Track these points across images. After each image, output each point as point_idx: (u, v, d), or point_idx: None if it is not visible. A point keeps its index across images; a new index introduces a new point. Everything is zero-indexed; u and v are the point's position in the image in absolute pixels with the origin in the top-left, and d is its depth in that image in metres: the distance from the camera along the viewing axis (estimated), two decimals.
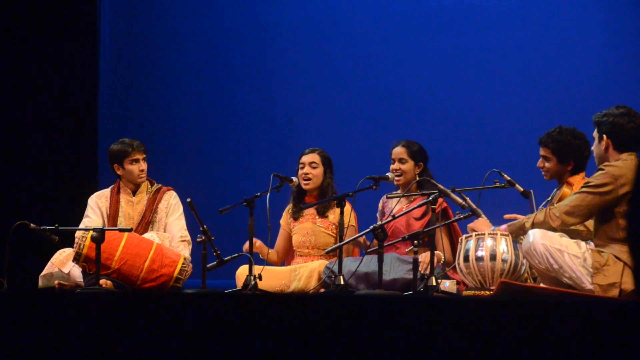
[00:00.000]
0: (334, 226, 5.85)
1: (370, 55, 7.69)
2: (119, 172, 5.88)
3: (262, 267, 5.35)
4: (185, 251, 5.70)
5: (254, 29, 8.02)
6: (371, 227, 4.76)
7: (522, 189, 5.19)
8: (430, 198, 4.85)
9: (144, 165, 5.86)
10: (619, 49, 7.02)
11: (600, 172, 4.51)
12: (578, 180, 5.09)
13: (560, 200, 4.89)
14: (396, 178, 5.66)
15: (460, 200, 4.85)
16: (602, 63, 7.05)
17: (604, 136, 4.58)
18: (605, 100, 5.84)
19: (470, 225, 4.92)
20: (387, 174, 5.51)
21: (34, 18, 7.61)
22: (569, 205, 4.55)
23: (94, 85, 8.01)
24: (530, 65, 7.26)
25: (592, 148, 4.70)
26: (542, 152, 5.21)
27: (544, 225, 4.59)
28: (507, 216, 5.08)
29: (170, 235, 5.77)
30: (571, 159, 5.15)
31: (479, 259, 4.82)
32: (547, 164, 5.19)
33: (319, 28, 7.87)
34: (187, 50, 8.14)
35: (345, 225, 5.17)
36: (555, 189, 5.25)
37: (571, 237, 4.60)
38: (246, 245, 5.36)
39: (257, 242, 5.63)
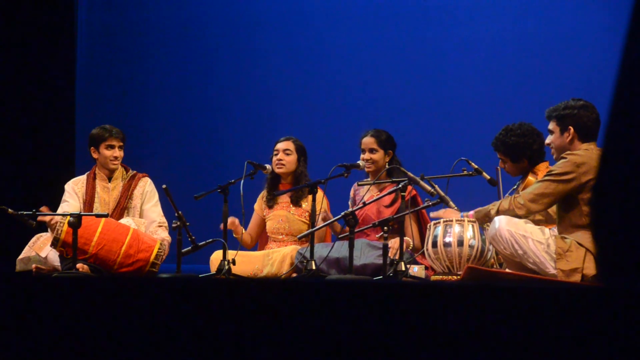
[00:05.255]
0: (307, 214, 5.93)
1: (342, 46, 7.76)
2: (94, 156, 5.95)
3: (235, 252, 5.42)
4: (164, 234, 5.78)
5: (230, 19, 8.06)
6: (342, 213, 4.84)
7: (489, 177, 5.29)
8: (400, 186, 4.93)
9: (118, 153, 5.92)
10: (582, 38, 7.14)
11: (562, 160, 4.60)
12: (542, 168, 5.19)
13: (525, 188, 4.99)
14: (367, 166, 5.75)
15: (429, 188, 4.93)
16: (567, 53, 7.16)
17: (570, 128, 4.67)
18: (566, 90, 5.96)
19: (436, 213, 5.01)
20: (358, 162, 5.59)
21: (11, 1, 7.58)
22: (532, 193, 4.64)
23: (72, 71, 8.01)
24: (499, 53, 7.35)
25: (551, 140, 4.75)
26: (498, 155, 5.34)
27: (509, 213, 4.67)
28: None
29: (148, 221, 5.84)
30: (523, 157, 5.27)
31: (446, 244, 4.91)
32: (505, 165, 5.32)
33: (293, 19, 7.92)
34: (165, 38, 8.17)
35: (318, 212, 5.24)
36: (519, 180, 5.37)
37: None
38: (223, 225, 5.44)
39: (235, 221, 5.71)
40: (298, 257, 5.42)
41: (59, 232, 5.22)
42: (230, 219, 5.56)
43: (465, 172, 5.28)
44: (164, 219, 5.89)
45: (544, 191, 4.61)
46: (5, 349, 2.71)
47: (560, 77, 7.09)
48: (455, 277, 4.82)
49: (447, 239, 4.91)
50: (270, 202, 6.05)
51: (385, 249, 4.80)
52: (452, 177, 5.27)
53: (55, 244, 5.25)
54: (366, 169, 5.75)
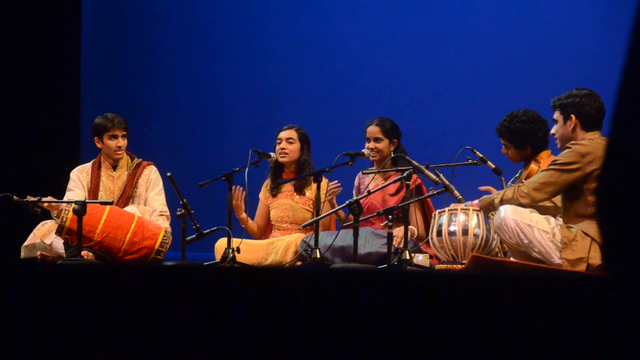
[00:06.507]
0: (311, 202, 5.92)
1: (346, 35, 7.75)
2: (98, 145, 5.94)
3: (240, 240, 5.43)
4: (165, 224, 5.77)
5: (235, 8, 8.05)
6: (347, 202, 4.84)
7: (494, 166, 5.28)
8: (405, 174, 4.93)
9: (122, 142, 5.90)
10: (588, 26, 7.13)
11: (567, 150, 4.59)
12: (544, 157, 5.18)
13: (528, 177, 4.98)
14: (372, 155, 5.74)
15: (433, 177, 4.92)
16: (574, 41, 7.15)
17: (572, 116, 4.65)
18: (573, 79, 5.95)
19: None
20: (362, 150, 5.59)
21: None
22: (537, 182, 4.63)
23: (77, 59, 8.00)
24: (505, 41, 7.34)
25: (555, 130, 4.74)
26: (502, 141, 5.32)
27: (513, 201, 4.66)
28: (481, 188, 5.18)
29: (150, 209, 5.83)
30: (527, 144, 5.24)
31: (451, 233, 4.91)
32: (508, 152, 5.30)
33: (297, 8, 7.92)
34: (170, 26, 8.16)
35: (322, 200, 5.24)
36: (521, 168, 5.36)
37: (540, 213, 4.70)
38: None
39: (239, 195, 5.65)
40: (302, 246, 5.43)
41: (64, 219, 5.22)
42: (235, 194, 5.50)
43: (470, 161, 5.27)
44: (165, 208, 5.87)
45: (548, 180, 4.60)
46: (8, 336, 2.71)
47: (566, 66, 7.08)
48: (459, 266, 4.82)
49: (452, 228, 4.91)
50: (274, 191, 6.05)
51: (390, 237, 4.80)
52: (457, 166, 5.27)
53: (60, 231, 5.26)
54: (371, 158, 5.75)
